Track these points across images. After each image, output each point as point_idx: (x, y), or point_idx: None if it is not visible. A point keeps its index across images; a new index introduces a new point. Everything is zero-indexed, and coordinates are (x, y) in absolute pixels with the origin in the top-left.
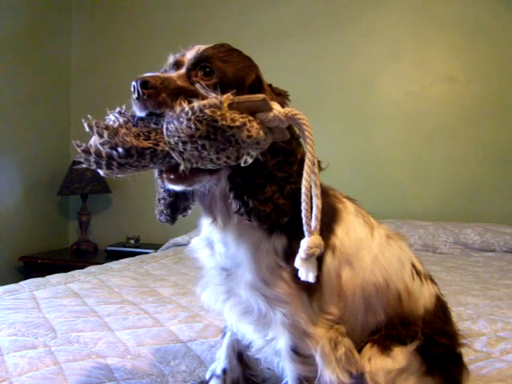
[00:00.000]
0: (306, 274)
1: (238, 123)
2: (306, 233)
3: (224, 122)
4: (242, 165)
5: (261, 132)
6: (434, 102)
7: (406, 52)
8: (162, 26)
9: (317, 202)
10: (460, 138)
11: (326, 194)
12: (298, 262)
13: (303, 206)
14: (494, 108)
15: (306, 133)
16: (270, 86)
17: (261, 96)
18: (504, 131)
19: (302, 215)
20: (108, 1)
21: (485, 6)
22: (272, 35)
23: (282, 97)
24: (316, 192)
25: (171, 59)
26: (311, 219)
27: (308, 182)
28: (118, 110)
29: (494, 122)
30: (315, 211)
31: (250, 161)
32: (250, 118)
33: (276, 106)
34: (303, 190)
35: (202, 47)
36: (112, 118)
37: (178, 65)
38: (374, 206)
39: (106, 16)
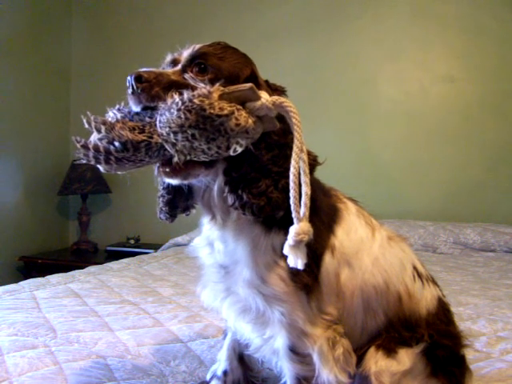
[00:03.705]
0: (295, 261)
1: (226, 112)
2: (294, 220)
3: (212, 111)
4: (232, 154)
5: (249, 120)
6: (433, 102)
7: (406, 52)
8: (162, 26)
9: (305, 190)
10: (460, 138)
11: (327, 194)
12: (286, 249)
13: (291, 193)
14: (493, 108)
15: (294, 120)
16: (266, 81)
17: (248, 85)
18: (504, 131)
19: (291, 202)
20: (108, 1)
21: (485, 5)
22: (272, 35)
23: (278, 92)
24: (305, 179)
25: (169, 58)
26: (300, 206)
27: (296, 169)
28: (117, 107)
29: (494, 121)
30: (304, 198)
31: (239, 150)
32: (239, 106)
33: (264, 95)
34: (291, 177)
35: (198, 45)
36: (111, 115)
37: (174, 63)
38: (373, 205)
39: (106, 16)
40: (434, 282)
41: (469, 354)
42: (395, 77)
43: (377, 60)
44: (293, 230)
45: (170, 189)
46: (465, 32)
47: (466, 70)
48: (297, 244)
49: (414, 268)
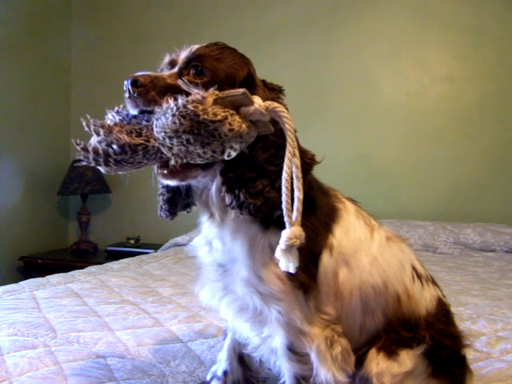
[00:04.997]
0: (287, 265)
1: (219, 117)
2: (286, 224)
3: (206, 117)
4: (226, 158)
5: (243, 125)
6: (433, 102)
7: (406, 52)
8: (162, 26)
9: (298, 195)
10: (460, 138)
11: (326, 193)
12: (278, 253)
13: (283, 197)
14: (493, 108)
15: (287, 125)
16: (263, 81)
17: (241, 90)
18: (504, 131)
19: (283, 207)
20: (108, 1)
21: (485, 5)
22: (272, 35)
23: (275, 92)
24: (297, 184)
25: (167, 59)
26: (292, 211)
27: (288, 174)
28: (116, 109)
29: (494, 121)
30: (296, 203)
31: (233, 154)
32: (232, 112)
33: (257, 100)
34: (283, 181)
35: (196, 46)
36: (110, 117)
37: (172, 64)
38: (373, 205)
39: (106, 16)
40: (434, 283)
41: (469, 354)
42: (395, 77)
43: (377, 60)
44: (285, 234)
45: (168, 187)
46: (464, 32)
47: (465, 70)
48: (288, 248)
49: (413, 268)
